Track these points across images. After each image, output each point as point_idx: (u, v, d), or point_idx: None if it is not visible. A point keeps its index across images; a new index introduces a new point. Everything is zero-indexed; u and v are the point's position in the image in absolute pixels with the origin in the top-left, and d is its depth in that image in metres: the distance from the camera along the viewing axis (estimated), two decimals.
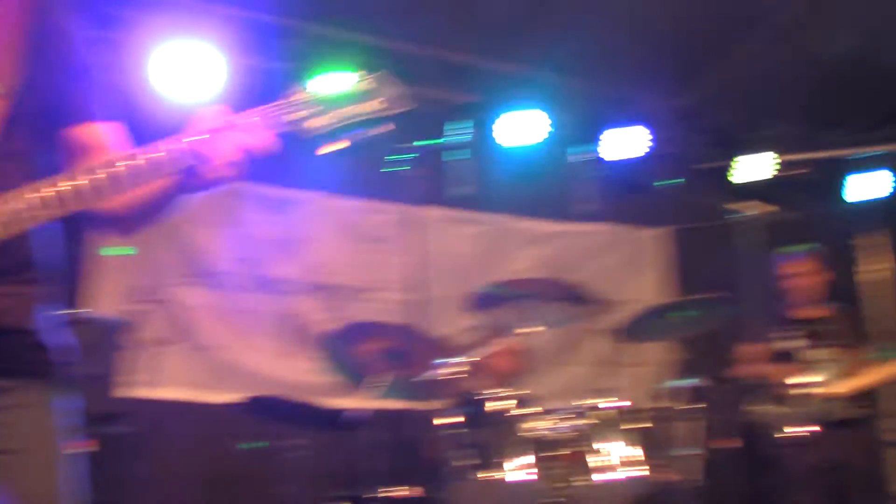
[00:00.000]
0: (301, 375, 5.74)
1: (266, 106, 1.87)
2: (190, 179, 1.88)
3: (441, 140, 5.78)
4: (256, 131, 1.83)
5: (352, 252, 6.37)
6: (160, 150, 1.81)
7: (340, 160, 5.98)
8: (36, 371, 1.90)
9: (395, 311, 5.43)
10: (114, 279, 5.62)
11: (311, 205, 6.33)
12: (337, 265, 6.32)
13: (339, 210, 6.41)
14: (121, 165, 1.78)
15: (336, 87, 1.87)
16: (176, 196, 1.95)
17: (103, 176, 1.77)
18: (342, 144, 1.90)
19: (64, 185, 1.75)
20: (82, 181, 1.76)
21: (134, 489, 4.59)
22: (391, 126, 1.91)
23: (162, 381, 5.44)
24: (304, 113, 1.85)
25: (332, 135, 1.88)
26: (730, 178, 6.79)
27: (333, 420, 4.62)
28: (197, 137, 1.81)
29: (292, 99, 1.86)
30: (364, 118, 1.87)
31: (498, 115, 6.39)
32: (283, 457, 4.62)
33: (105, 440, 4.19)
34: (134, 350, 4.97)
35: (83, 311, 4.28)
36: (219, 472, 5.26)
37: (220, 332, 5.92)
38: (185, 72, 5.34)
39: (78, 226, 2.04)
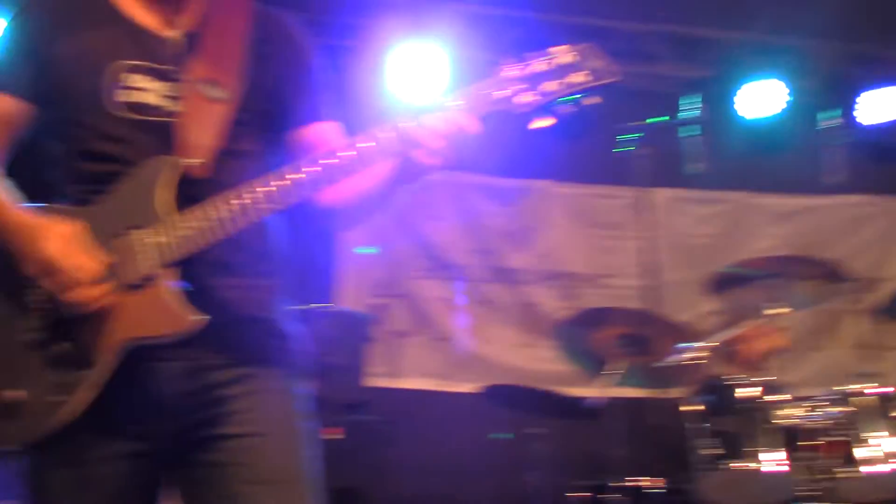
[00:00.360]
0: (539, 364, 5.75)
1: (472, 86, 1.84)
2: (402, 168, 1.89)
3: (673, 117, 5.55)
4: (463, 115, 1.80)
5: (585, 238, 6.29)
6: (370, 140, 1.83)
7: (571, 145, 6.01)
8: (276, 358, 1.99)
9: (630, 297, 5.29)
10: (359, 275, 5.91)
11: (542, 193, 6.31)
12: (571, 252, 6.26)
13: (571, 197, 6.34)
14: (335, 157, 1.83)
15: (540, 62, 1.81)
16: (391, 187, 1.96)
17: (319, 168, 1.83)
18: (550, 121, 1.84)
19: (285, 179, 1.82)
20: (300, 174, 1.82)
21: (381, 475, 4.79)
22: (598, 99, 1.82)
23: (404, 371, 5.65)
24: (509, 91, 1.81)
25: (539, 111, 1.82)
26: None
27: (573, 408, 4.57)
28: (405, 124, 1.81)
29: (499, 76, 1.82)
30: (570, 92, 1.80)
31: (737, 87, 6.07)
32: (525, 446, 4.63)
33: (352, 428, 4.39)
34: (378, 342, 5.18)
35: (333, 305, 4.52)
36: (462, 460, 5.36)
37: (459, 322, 6.05)
38: (419, 72, 5.51)
39: (325, 224, 2.13)
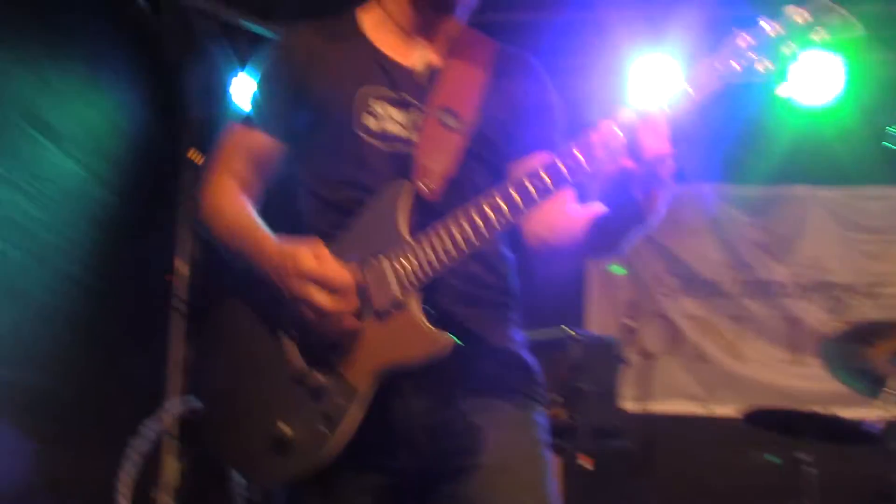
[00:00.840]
0: (806, 382, 5.41)
1: (699, 63, 1.70)
2: (622, 190, 1.73)
3: None
4: (690, 104, 1.67)
5: (850, 245, 5.84)
6: (587, 146, 1.73)
7: (825, 145, 5.61)
8: (518, 388, 1.98)
9: None
10: (609, 296, 5.85)
11: (797, 200, 5.95)
12: (834, 261, 5.85)
13: (830, 201, 5.92)
14: (554, 166, 1.75)
15: (770, 26, 1.67)
16: (618, 220, 1.81)
17: (531, 188, 1.76)
18: (789, 87, 1.70)
19: (511, 193, 1.78)
20: (514, 194, 1.77)
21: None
22: (838, 58, 1.66)
23: (658, 394, 5.48)
24: (741, 60, 1.67)
25: (776, 77, 1.67)
26: None
27: (850, 432, 4.22)
28: (625, 121, 1.69)
29: (729, 47, 1.68)
30: (808, 51, 1.66)
31: None
32: (794, 472, 4.33)
33: (605, 455, 4.31)
34: (630, 365, 5.08)
35: (581, 330, 4.50)
36: (723, 489, 5.12)
37: (716, 341, 5.81)
38: (655, 85, 5.38)
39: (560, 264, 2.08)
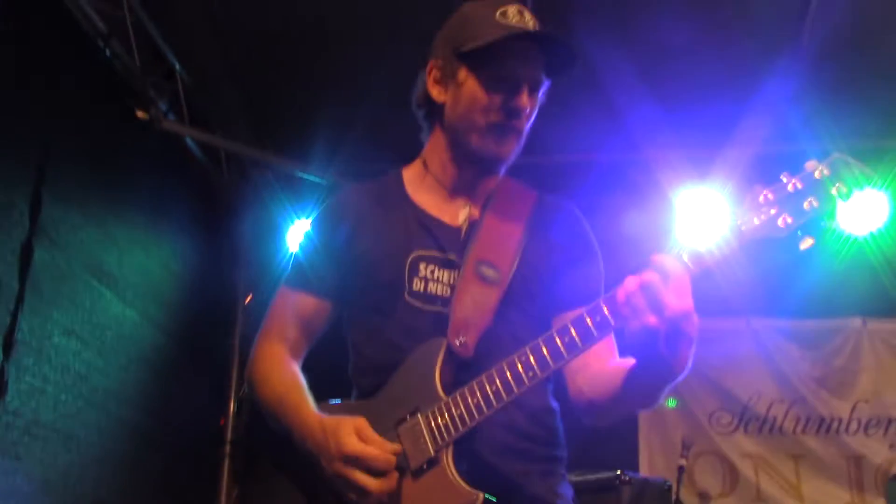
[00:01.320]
0: None
1: (722, 220, 1.74)
2: (648, 346, 1.74)
3: None
4: (713, 260, 1.71)
5: None
6: (603, 310, 1.77)
7: (877, 278, 5.54)
8: None
9: None
10: (662, 436, 5.73)
11: (851, 332, 5.83)
12: (893, 395, 5.67)
13: (886, 333, 5.82)
14: (560, 336, 1.81)
15: (791, 182, 1.71)
16: (647, 375, 1.83)
17: (559, 343, 1.80)
18: (809, 242, 1.70)
19: (541, 349, 1.82)
20: (544, 350, 1.82)
21: None
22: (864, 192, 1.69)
23: None
24: (763, 216, 1.70)
25: (798, 232, 1.70)
26: None
27: None
28: (650, 279, 1.70)
29: (751, 202, 1.73)
30: (825, 209, 1.68)
31: None
32: None
33: None
34: None
35: (633, 472, 4.39)
36: None
37: (774, 480, 5.60)
38: (705, 218, 5.43)
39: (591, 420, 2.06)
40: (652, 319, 1.68)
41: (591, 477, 4.15)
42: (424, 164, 2.19)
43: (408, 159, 2.25)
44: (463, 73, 2.04)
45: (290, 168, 5.87)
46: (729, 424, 5.79)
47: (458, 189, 2.13)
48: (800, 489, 5.60)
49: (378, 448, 1.85)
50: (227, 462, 5.59)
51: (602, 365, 1.97)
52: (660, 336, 1.70)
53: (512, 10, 2.03)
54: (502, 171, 2.15)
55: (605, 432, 2.30)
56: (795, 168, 1.75)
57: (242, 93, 5.24)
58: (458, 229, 2.09)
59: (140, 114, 4.97)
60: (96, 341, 4.36)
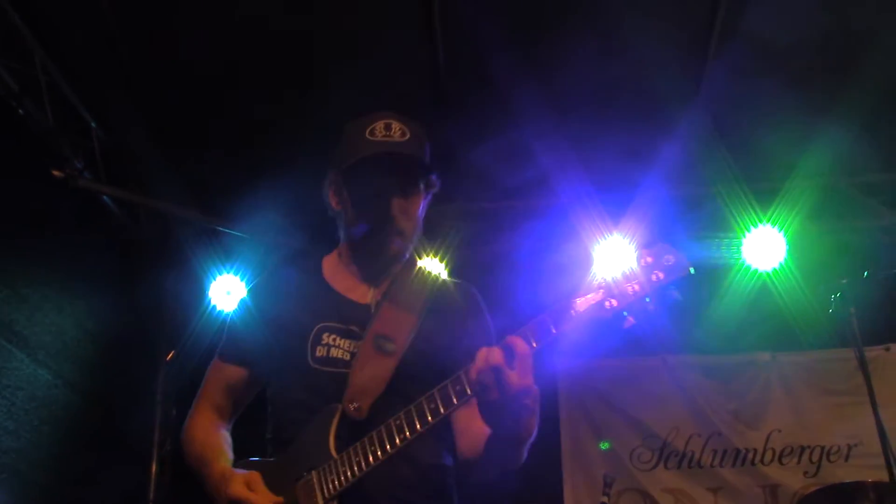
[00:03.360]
0: None
1: (545, 312, 1.99)
2: (495, 415, 2.08)
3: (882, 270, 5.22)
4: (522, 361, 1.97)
5: (816, 408, 5.89)
6: (462, 381, 2.05)
7: (781, 313, 5.75)
8: None
9: (878, 467, 4.81)
10: (586, 473, 5.81)
11: (761, 366, 6.03)
12: (805, 425, 5.86)
13: (794, 365, 6.01)
14: (430, 400, 2.08)
15: (616, 270, 1.95)
16: (498, 440, 2.16)
17: (426, 409, 2.07)
18: (630, 322, 1.95)
19: (415, 410, 2.09)
20: (422, 405, 2.09)
21: None
22: (676, 295, 1.94)
23: None
24: (589, 302, 1.95)
25: (619, 315, 1.94)
26: None
27: None
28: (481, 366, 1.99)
29: (579, 292, 1.97)
30: (647, 292, 1.91)
31: None
32: None
33: None
34: None
35: None
36: None
37: None
38: (615, 266, 5.58)
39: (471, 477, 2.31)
40: (496, 395, 1.97)
41: None
42: (339, 254, 2.49)
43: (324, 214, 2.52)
44: (346, 189, 2.37)
45: (210, 223, 5.88)
46: (649, 461, 5.89)
47: (365, 276, 2.42)
48: None
49: (260, 496, 2.13)
50: None
51: (469, 424, 2.28)
52: (505, 408, 2.02)
53: (379, 126, 2.33)
54: (408, 255, 2.47)
55: (530, 470, 2.46)
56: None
57: (160, 149, 5.26)
58: (364, 307, 2.38)
59: (55, 172, 4.95)
60: (6, 403, 4.28)
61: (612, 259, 5.55)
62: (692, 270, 1.93)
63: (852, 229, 5.73)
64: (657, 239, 2.00)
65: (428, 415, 2.06)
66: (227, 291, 5.81)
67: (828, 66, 4.86)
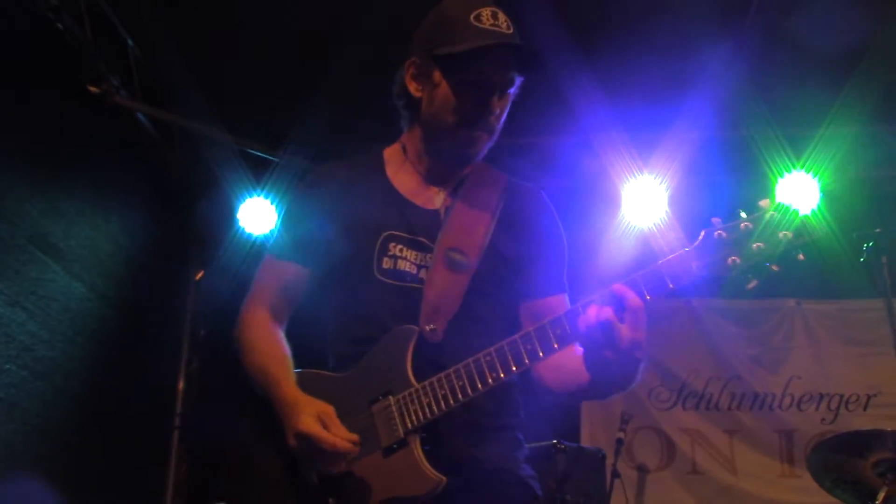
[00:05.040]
0: (800, 496, 5.36)
1: (674, 257, 1.83)
2: (601, 368, 1.88)
3: None
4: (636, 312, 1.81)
5: (837, 357, 5.90)
6: (565, 325, 1.90)
7: (813, 260, 5.69)
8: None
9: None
10: (603, 409, 5.87)
11: (786, 312, 6.02)
12: (825, 373, 5.89)
13: (819, 314, 6.01)
14: (554, 327, 1.92)
15: (741, 225, 1.80)
16: (599, 388, 1.96)
17: (534, 338, 1.93)
18: (755, 282, 1.80)
19: (513, 347, 1.94)
20: (519, 344, 1.94)
21: None
22: (801, 257, 1.80)
23: None
24: (714, 258, 1.80)
25: (745, 274, 1.80)
26: None
27: None
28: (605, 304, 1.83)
29: (705, 242, 1.82)
30: (774, 253, 1.78)
31: None
32: None
33: None
34: (623, 478, 5.06)
35: (572, 442, 4.51)
36: None
37: (709, 454, 5.79)
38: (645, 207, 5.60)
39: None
40: (608, 354, 1.82)
41: (530, 445, 4.26)
42: (404, 148, 2.31)
43: (370, 140, 2.39)
44: (437, 75, 2.16)
45: (244, 145, 5.90)
46: (667, 400, 5.95)
47: (433, 177, 2.27)
48: (733, 462, 5.79)
49: (334, 436, 1.98)
50: (175, 435, 5.64)
51: (563, 358, 2.05)
52: (612, 363, 1.85)
53: (486, 13, 2.13)
54: (479, 160, 2.27)
55: (548, 406, 2.46)
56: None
57: (195, 69, 5.26)
58: (432, 213, 2.22)
59: (92, 88, 4.97)
60: (41, 313, 4.37)
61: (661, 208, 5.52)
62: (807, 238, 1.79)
63: (887, 178, 5.66)
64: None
65: (525, 356, 1.92)
66: (257, 215, 5.86)
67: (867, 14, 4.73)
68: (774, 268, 1.79)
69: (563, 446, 4.35)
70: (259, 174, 5.92)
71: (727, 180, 5.50)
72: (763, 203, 1.79)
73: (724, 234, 1.80)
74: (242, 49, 5.23)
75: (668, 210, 5.51)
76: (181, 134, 5.96)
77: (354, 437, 2.00)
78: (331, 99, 5.08)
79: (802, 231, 1.78)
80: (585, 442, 5.67)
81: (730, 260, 1.79)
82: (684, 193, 5.50)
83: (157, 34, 5.12)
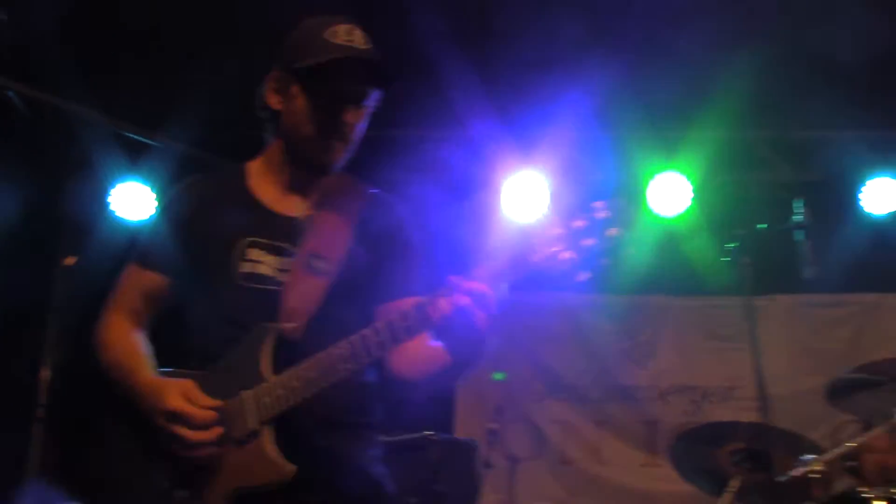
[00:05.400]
0: (661, 484, 5.58)
1: (511, 247, 1.97)
2: (456, 332, 2.01)
3: (782, 222, 5.45)
4: (497, 279, 1.95)
5: (701, 351, 6.18)
6: (428, 305, 1.99)
7: (680, 258, 5.99)
8: (367, 501, 2.20)
9: (752, 409, 5.10)
10: (477, 401, 5.97)
11: (656, 307, 6.26)
12: (688, 366, 6.15)
13: (682, 310, 6.29)
14: (403, 319, 2.01)
15: (578, 219, 1.91)
16: (461, 352, 2.08)
17: (384, 329, 2.02)
18: (586, 275, 1.92)
19: (362, 341, 2.03)
20: (371, 335, 2.03)
21: None
22: (629, 253, 1.92)
23: (521, 498, 5.59)
24: (550, 250, 1.91)
25: (578, 267, 1.91)
26: None
27: None
28: (455, 289, 1.95)
29: (541, 235, 1.93)
30: (603, 246, 1.88)
31: (854, 186, 5.96)
32: None
33: None
34: (494, 468, 5.17)
35: (434, 433, 4.57)
36: None
37: (579, 445, 5.97)
38: (529, 200, 5.71)
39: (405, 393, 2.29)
40: (459, 332, 1.98)
41: (402, 438, 4.32)
42: (267, 160, 2.38)
43: (254, 130, 2.43)
44: (295, 89, 2.26)
45: (119, 128, 5.74)
46: (540, 392, 6.10)
47: (295, 186, 2.35)
48: (601, 452, 5.99)
49: (198, 407, 2.08)
50: (35, 426, 5.45)
51: (415, 349, 2.17)
52: (465, 343, 2.02)
53: (341, 30, 2.23)
54: (339, 169, 2.35)
55: (422, 399, 2.51)
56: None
57: (71, 45, 5.07)
58: (293, 221, 2.29)
59: None
60: None
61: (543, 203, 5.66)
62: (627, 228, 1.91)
63: (755, 182, 5.94)
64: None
65: (375, 347, 2.03)
66: (131, 199, 5.71)
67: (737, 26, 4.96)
68: (605, 261, 1.90)
69: (435, 438, 4.41)
70: (136, 158, 5.77)
71: (604, 178, 5.67)
72: (597, 204, 1.91)
73: (560, 231, 1.92)
74: (126, 29, 5.07)
75: (548, 205, 5.65)
76: (53, 113, 5.75)
77: (219, 402, 2.08)
78: (214, 85, 4.99)
79: (630, 228, 1.90)
80: (459, 433, 5.75)
81: (564, 253, 1.90)
82: (563, 190, 5.65)
83: (30, 8, 4.92)
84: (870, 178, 5.93)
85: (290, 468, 2.03)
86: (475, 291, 1.93)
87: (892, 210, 5.89)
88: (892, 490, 3.63)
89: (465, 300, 1.93)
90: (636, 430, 6.02)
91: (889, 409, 4.01)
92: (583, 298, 6.20)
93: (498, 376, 5.93)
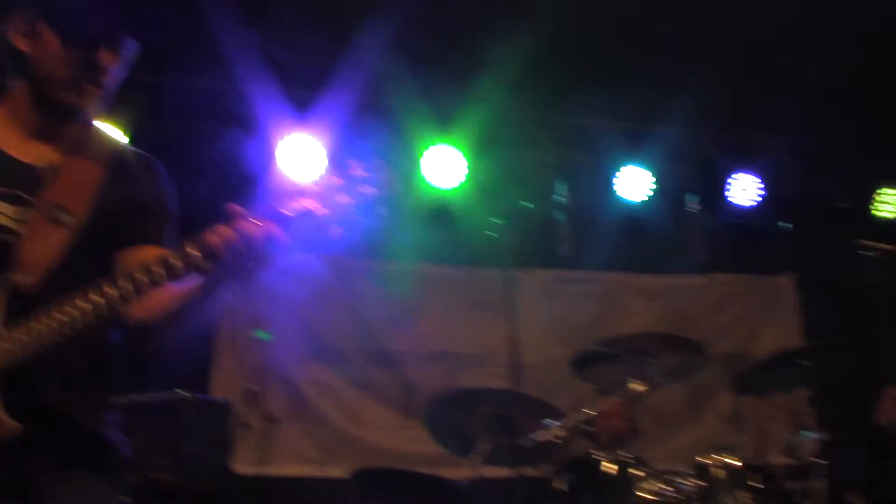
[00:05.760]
0: (414, 446, 5.71)
1: (272, 200, 1.94)
2: (212, 279, 1.98)
3: (544, 202, 5.75)
4: (260, 228, 1.92)
5: (462, 320, 6.40)
6: (177, 260, 1.93)
7: (447, 229, 6.16)
8: (100, 466, 2.10)
9: (504, 377, 5.36)
10: (235, 361, 5.86)
11: (420, 276, 6.42)
12: (449, 333, 6.36)
13: (447, 279, 6.48)
14: (148, 272, 1.94)
15: (335, 176, 1.94)
16: (206, 295, 2.04)
17: (132, 283, 1.94)
18: (339, 231, 1.94)
19: (102, 294, 1.94)
20: (111, 288, 1.94)
21: None
22: (385, 213, 1.96)
23: (277, 458, 5.57)
24: (307, 203, 1.92)
25: (331, 222, 1.93)
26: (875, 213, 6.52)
27: (440, 490, 4.56)
28: (203, 242, 1.91)
29: (297, 189, 1.94)
30: (358, 204, 1.92)
31: (611, 173, 6.36)
32: None
33: None
34: (251, 428, 5.10)
35: (188, 393, 4.45)
36: None
37: (337, 406, 6.02)
38: (304, 160, 5.65)
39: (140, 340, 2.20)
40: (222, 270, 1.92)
41: (151, 396, 4.17)
42: (8, 106, 2.23)
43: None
44: (46, 31, 2.15)
45: None
46: (302, 354, 6.07)
47: (41, 133, 2.22)
48: (359, 415, 6.06)
49: None
50: None
51: (156, 294, 2.06)
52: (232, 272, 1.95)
53: None
54: (84, 117, 2.25)
55: (180, 355, 2.42)
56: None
57: None
58: (34, 169, 2.15)
59: None
60: None
61: (317, 165, 5.60)
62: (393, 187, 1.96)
63: (522, 161, 6.20)
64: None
65: (111, 302, 1.93)
66: None
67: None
68: (357, 215, 1.94)
69: (187, 397, 4.29)
70: None
71: (381, 146, 5.70)
72: (354, 162, 1.96)
73: (316, 188, 1.95)
74: None
75: (325, 167, 5.61)
76: None
77: None
78: None
79: (395, 194, 1.97)
80: (217, 393, 5.61)
81: (318, 209, 1.93)
82: (340, 154, 5.63)
83: None
84: (623, 167, 6.36)
85: (14, 426, 1.94)
86: (249, 225, 1.90)
87: (643, 198, 6.34)
88: (620, 452, 3.98)
89: (241, 228, 1.90)
90: (396, 393, 6.13)
91: (624, 378, 4.37)
92: (352, 262, 6.23)
93: (261, 335, 5.81)
